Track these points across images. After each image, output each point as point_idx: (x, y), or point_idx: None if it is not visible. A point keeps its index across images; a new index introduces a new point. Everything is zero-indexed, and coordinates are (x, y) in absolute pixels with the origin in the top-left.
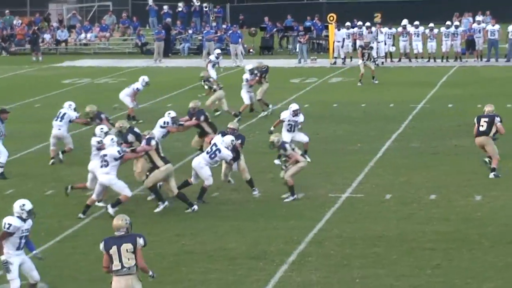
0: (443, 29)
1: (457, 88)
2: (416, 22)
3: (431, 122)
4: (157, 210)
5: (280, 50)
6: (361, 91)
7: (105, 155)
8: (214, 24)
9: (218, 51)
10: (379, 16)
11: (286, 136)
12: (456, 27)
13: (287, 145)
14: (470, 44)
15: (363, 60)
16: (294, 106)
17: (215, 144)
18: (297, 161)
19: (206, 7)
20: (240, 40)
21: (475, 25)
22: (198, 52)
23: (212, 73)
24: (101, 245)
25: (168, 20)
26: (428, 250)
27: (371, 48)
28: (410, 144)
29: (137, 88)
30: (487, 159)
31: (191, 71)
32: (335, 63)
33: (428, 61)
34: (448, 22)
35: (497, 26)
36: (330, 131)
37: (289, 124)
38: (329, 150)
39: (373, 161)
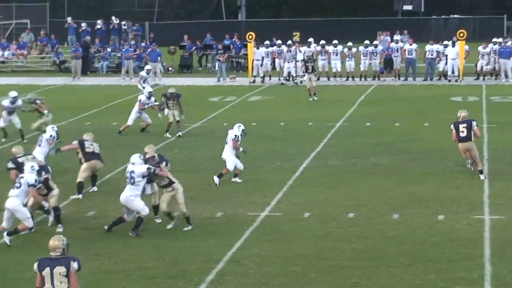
0: (361, 48)
1: (375, 107)
2: (335, 41)
3: (349, 140)
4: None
5: (199, 69)
6: (280, 109)
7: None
8: (133, 42)
9: (149, 67)
10: (298, 35)
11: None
12: (375, 46)
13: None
14: (388, 63)
15: (307, 72)
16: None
17: (131, 172)
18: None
19: (125, 25)
20: (159, 58)
21: (393, 44)
22: (117, 70)
23: (146, 88)
24: (35, 265)
25: (87, 38)
26: (346, 268)
27: (314, 60)
28: (329, 162)
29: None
30: (469, 165)
31: (110, 89)
32: (254, 81)
33: (347, 79)
34: (367, 41)
35: (414, 45)
36: (249, 149)
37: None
38: (248, 168)
39: (292, 180)
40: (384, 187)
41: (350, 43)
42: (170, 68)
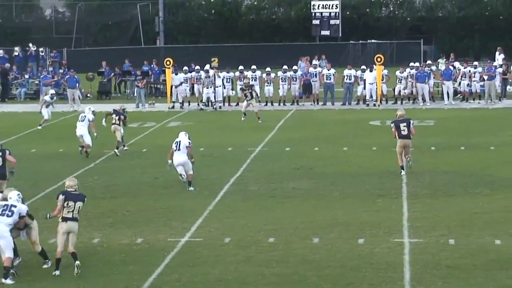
0: (280, 73)
1: (294, 131)
2: (254, 67)
3: (269, 165)
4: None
5: (118, 95)
6: (199, 135)
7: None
8: (51, 69)
9: (53, 91)
10: (216, 61)
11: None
12: (295, 71)
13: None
14: (307, 88)
15: (246, 99)
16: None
17: (9, 205)
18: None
19: (42, 52)
20: (77, 84)
21: (311, 69)
22: (35, 97)
23: (45, 113)
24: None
25: (6, 65)
26: None
27: (252, 86)
28: (249, 187)
29: None
30: (407, 161)
31: (28, 116)
32: (173, 107)
33: (266, 105)
34: (285, 66)
35: (332, 70)
36: (169, 175)
37: None
38: (168, 194)
39: (212, 205)
40: (304, 211)
41: (268, 69)
42: (88, 95)
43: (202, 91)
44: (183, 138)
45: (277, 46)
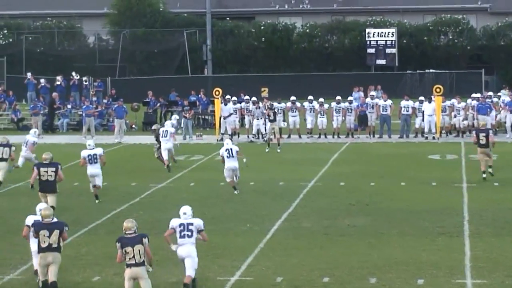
0: (333, 104)
1: (349, 165)
2: (310, 97)
3: (322, 200)
4: None
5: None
6: (249, 168)
7: None
8: (94, 98)
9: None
10: (266, 91)
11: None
12: (350, 102)
13: None
14: (362, 120)
15: (269, 119)
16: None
17: (185, 224)
18: None
19: (85, 81)
20: (125, 114)
21: (368, 100)
22: (78, 128)
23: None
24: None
25: (54, 94)
26: None
27: (274, 109)
28: (302, 224)
29: None
30: (489, 170)
31: (70, 148)
32: (221, 139)
33: (319, 137)
34: (338, 97)
35: (389, 101)
36: (218, 211)
37: None
38: (217, 231)
39: (263, 242)
40: (360, 249)
41: (321, 99)
42: (133, 126)
43: (252, 123)
44: (233, 145)
45: (330, 76)
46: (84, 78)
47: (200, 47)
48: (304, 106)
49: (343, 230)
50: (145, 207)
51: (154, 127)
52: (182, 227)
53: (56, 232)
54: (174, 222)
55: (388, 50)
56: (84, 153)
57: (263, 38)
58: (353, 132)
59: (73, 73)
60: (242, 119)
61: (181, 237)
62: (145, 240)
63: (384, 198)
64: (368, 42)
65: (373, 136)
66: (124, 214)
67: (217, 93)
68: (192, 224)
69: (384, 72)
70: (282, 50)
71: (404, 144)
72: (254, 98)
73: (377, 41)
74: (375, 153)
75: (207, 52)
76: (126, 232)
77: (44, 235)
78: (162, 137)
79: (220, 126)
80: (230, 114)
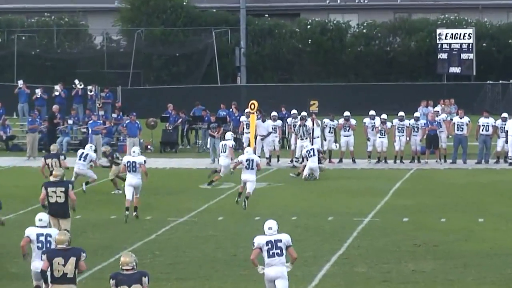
0: (395, 121)
1: (414, 197)
2: (372, 112)
3: (381, 240)
4: None
5: (187, 147)
6: (291, 200)
7: None
8: (101, 112)
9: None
10: (316, 104)
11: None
12: (416, 119)
13: None
14: (431, 141)
15: (298, 138)
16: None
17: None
18: None
19: (91, 91)
20: (139, 132)
21: (442, 116)
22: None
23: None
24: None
25: (55, 107)
26: None
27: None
28: (355, 268)
29: None
30: None
31: (71, 173)
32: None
33: (378, 162)
34: (401, 113)
35: (466, 119)
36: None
37: None
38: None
39: None
40: None
41: (384, 116)
42: (149, 146)
43: (296, 144)
44: (254, 156)
45: (392, 87)
46: (89, 88)
47: (232, 50)
48: (365, 123)
49: (406, 276)
50: (162, 247)
51: (103, 148)
52: (270, 245)
53: (72, 261)
54: (260, 240)
55: (463, 56)
56: (125, 160)
57: (309, 40)
58: (419, 156)
59: (76, 81)
60: (283, 139)
61: (269, 256)
62: (144, 280)
63: (457, 238)
64: (439, 46)
65: (445, 161)
66: (136, 255)
67: (252, 106)
68: (280, 240)
69: (459, 82)
70: (333, 55)
71: (482, 171)
72: (303, 113)
73: (450, 44)
74: (446, 182)
75: (241, 56)
76: (123, 268)
77: (58, 263)
78: (130, 170)
79: (256, 148)
80: (269, 133)
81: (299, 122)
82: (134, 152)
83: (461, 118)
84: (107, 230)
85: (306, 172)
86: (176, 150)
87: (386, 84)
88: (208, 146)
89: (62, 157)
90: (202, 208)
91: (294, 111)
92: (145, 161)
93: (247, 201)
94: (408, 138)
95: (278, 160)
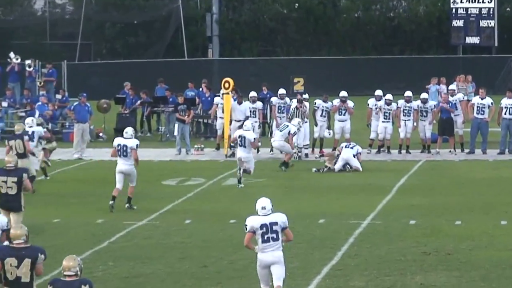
0: (400, 102)
1: (423, 195)
2: (378, 92)
3: (383, 247)
4: None
5: (147, 135)
6: (273, 199)
7: None
8: (42, 92)
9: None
10: (301, 83)
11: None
12: (424, 100)
13: None
14: (444, 127)
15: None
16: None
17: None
18: None
19: (30, 67)
20: (89, 116)
21: (458, 96)
22: None
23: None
24: None
25: None
26: None
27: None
28: (351, 281)
29: None
30: None
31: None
32: (232, 154)
33: (379, 152)
34: (408, 93)
35: (489, 100)
36: (225, 262)
37: None
38: None
39: None
40: None
41: (389, 96)
42: (101, 134)
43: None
44: (247, 133)
45: (396, 61)
46: (27, 62)
47: (202, 16)
48: (368, 105)
49: None
50: (117, 256)
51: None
52: (264, 229)
53: (27, 262)
54: (254, 222)
55: (483, 23)
56: (115, 142)
57: (296, 4)
58: (429, 144)
59: (11, 55)
60: (263, 124)
61: (264, 241)
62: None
63: (475, 245)
64: (453, 11)
65: (461, 150)
66: (86, 266)
67: (227, 85)
68: (276, 223)
69: (477, 55)
70: (324, 22)
71: (506, 164)
72: (281, 91)
73: (466, 9)
74: (463, 177)
75: (213, 24)
76: (65, 273)
77: (11, 265)
78: (120, 155)
79: (230, 136)
80: (247, 118)
81: (295, 105)
82: (126, 133)
83: (482, 99)
84: (48, 236)
85: (339, 164)
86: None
87: (389, 58)
88: (175, 133)
89: (26, 138)
90: (165, 209)
91: (282, 91)
92: (137, 145)
93: (242, 175)
94: (415, 124)
95: (257, 150)
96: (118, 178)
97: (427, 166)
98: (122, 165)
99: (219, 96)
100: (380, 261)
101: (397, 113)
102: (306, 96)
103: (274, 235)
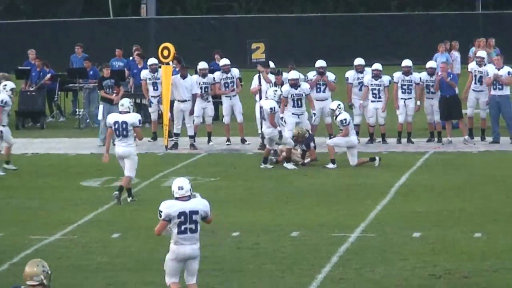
0: (398, 74)
1: (430, 200)
2: (359, 60)
3: (377, 268)
4: None
5: (59, 120)
6: (231, 206)
7: None
8: None
9: None
10: (261, 50)
11: None
12: (431, 72)
13: None
14: (452, 107)
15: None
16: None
17: None
18: None
19: None
20: None
21: (489, 68)
22: None
23: None
24: None
25: None
26: None
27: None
28: None
29: None
30: None
31: None
32: (175, 145)
33: (371, 141)
34: (407, 62)
35: (506, 69)
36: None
37: None
38: None
39: None
40: None
41: (377, 65)
42: None
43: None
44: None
45: (394, 20)
46: None
47: None
48: (348, 80)
49: None
50: (21, 283)
51: None
52: (183, 218)
53: None
54: (170, 209)
55: None
56: (111, 119)
57: None
58: (437, 131)
59: None
60: (216, 105)
61: (180, 232)
62: None
63: (500, 265)
64: None
65: (482, 138)
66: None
67: (166, 53)
68: (197, 212)
69: (502, 11)
70: None
71: None
72: (224, 61)
73: None
74: (483, 175)
75: None
76: (27, 283)
77: None
78: (119, 135)
79: (172, 120)
80: (194, 97)
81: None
82: (122, 105)
83: (498, 70)
84: None
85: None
86: (42, 124)
87: (385, 16)
88: (99, 117)
89: None
90: (85, 219)
91: (225, 61)
92: (140, 120)
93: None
94: (419, 103)
95: (209, 140)
96: (122, 164)
97: (436, 160)
98: (122, 147)
99: (148, 69)
100: (374, 285)
101: (393, 90)
102: (272, 65)
103: (193, 226)
